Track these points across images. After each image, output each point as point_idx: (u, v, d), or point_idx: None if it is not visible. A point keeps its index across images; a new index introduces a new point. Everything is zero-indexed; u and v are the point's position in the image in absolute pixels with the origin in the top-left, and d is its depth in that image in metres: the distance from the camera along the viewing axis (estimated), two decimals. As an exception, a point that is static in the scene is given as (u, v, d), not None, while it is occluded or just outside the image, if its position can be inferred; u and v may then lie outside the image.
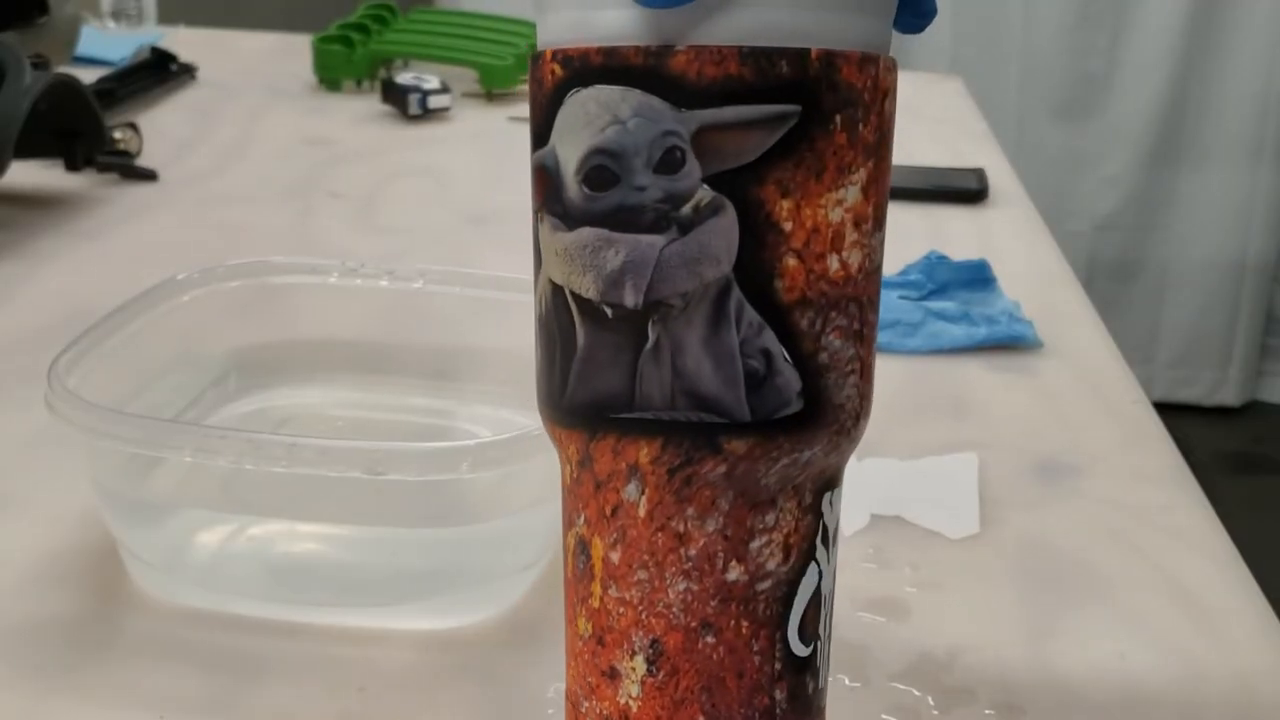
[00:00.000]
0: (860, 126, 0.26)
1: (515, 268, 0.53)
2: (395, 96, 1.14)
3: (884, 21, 0.28)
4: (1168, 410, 0.93)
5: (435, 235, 0.85)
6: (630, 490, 0.28)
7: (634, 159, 0.26)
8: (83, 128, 0.89)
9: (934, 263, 0.73)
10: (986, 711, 0.40)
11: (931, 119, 1.19)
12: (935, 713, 0.40)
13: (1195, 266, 2.52)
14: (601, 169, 0.26)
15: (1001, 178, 1.00)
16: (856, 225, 0.27)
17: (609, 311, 0.27)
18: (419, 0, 1.99)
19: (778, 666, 0.29)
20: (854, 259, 0.27)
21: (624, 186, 0.26)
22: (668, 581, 0.28)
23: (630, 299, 0.26)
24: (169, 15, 1.59)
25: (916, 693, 0.41)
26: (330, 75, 1.24)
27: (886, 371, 0.66)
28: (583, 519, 0.29)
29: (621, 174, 0.26)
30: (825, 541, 0.30)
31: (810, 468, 0.28)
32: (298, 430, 0.52)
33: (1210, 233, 2.50)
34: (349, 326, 0.56)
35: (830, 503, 0.29)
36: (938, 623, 0.45)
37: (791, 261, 0.26)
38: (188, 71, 1.23)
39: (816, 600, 0.30)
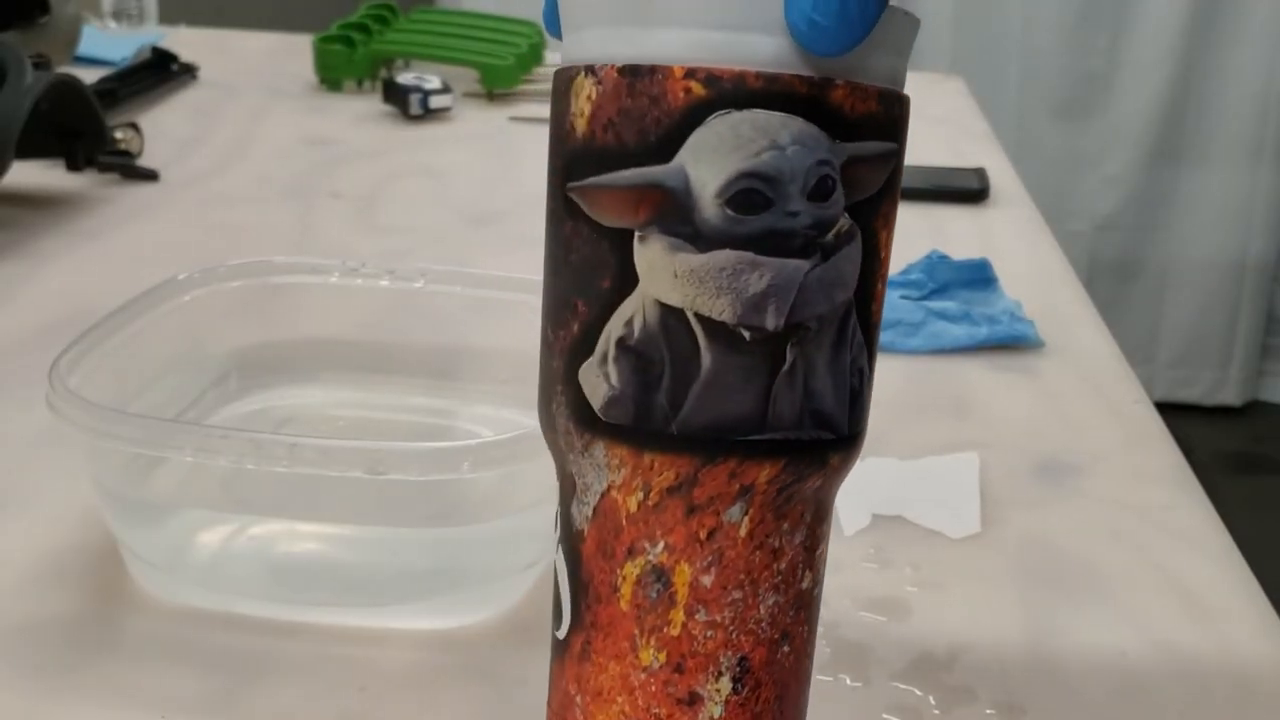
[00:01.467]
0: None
1: (515, 268, 0.53)
2: (396, 96, 1.14)
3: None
4: (1168, 410, 0.92)
5: (435, 235, 0.85)
6: (733, 512, 0.28)
7: (790, 185, 0.26)
8: (84, 128, 0.89)
9: (935, 262, 0.73)
10: (987, 711, 0.40)
11: (932, 119, 1.19)
12: (936, 712, 0.40)
13: (1195, 266, 2.52)
14: (753, 192, 0.26)
15: (1002, 177, 1.00)
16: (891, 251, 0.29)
17: (746, 334, 0.27)
18: (420, 0, 1.99)
19: (811, 663, 0.31)
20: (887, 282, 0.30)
21: (776, 211, 0.26)
22: (760, 598, 0.29)
23: (772, 322, 0.27)
24: (170, 15, 1.59)
25: (918, 692, 0.41)
26: (331, 75, 1.24)
27: (887, 371, 0.66)
28: (660, 546, 0.28)
29: (775, 199, 0.26)
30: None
31: (848, 476, 0.30)
32: (298, 430, 0.52)
33: (1210, 233, 2.50)
34: (349, 326, 0.56)
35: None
36: (939, 622, 0.45)
37: (880, 286, 0.28)
38: (188, 71, 1.24)
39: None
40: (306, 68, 1.26)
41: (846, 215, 0.27)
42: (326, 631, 0.43)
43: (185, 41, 1.35)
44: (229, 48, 1.41)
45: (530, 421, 0.40)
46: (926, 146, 1.07)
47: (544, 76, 1.27)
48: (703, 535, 0.28)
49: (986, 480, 0.55)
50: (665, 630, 0.29)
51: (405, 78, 1.15)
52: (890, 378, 0.65)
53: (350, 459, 0.40)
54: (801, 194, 0.26)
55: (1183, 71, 2.41)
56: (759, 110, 0.26)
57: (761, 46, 0.26)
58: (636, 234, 0.27)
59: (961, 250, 0.76)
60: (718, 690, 0.29)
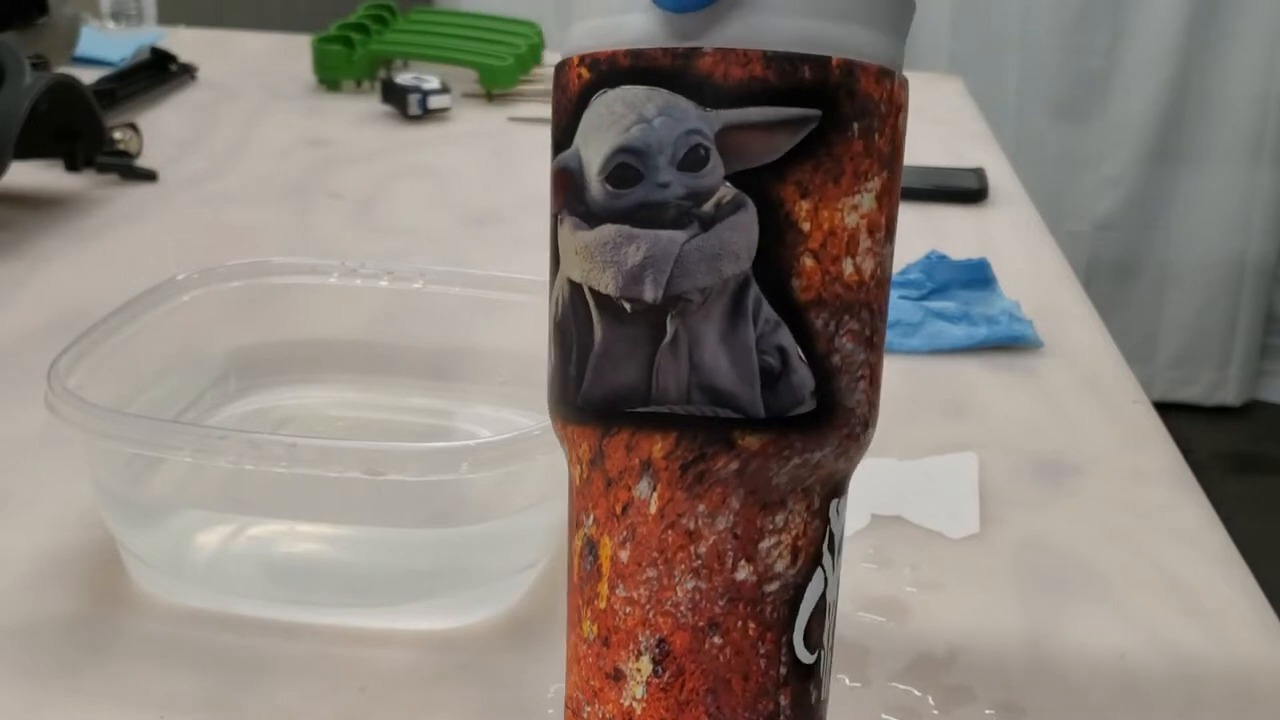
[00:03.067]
0: (876, 136, 0.27)
1: (515, 268, 0.53)
2: (395, 97, 1.14)
3: (900, 41, 0.28)
4: (1168, 410, 0.93)
5: (435, 235, 0.85)
6: (642, 487, 0.28)
7: (658, 156, 0.26)
8: (83, 128, 0.89)
9: (934, 262, 0.73)
10: (986, 711, 0.40)
11: (931, 119, 1.19)
12: (935, 712, 0.40)
13: (1195, 266, 2.52)
14: (625, 166, 0.26)
15: (1001, 177, 1.00)
16: (870, 232, 0.27)
17: (628, 306, 0.27)
18: (419, 0, 1.99)
19: (783, 671, 0.29)
20: (867, 265, 0.27)
21: (647, 183, 0.26)
22: (676, 579, 0.28)
23: (650, 294, 0.27)
24: (169, 15, 1.59)
25: (917, 693, 0.41)
26: (330, 75, 1.24)
27: (887, 371, 0.66)
28: (592, 519, 0.29)
29: (645, 171, 0.26)
30: (832, 549, 0.30)
31: (820, 470, 0.28)
32: (298, 430, 0.52)
33: (1210, 233, 2.50)
34: (349, 326, 0.56)
35: (837, 510, 0.30)
36: (938, 622, 0.45)
37: (809, 261, 0.27)
38: (188, 72, 1.23)
39: (822, 608, 0.30)
40: (305, 68, 1.26)
41: (729, 184, 0.26)
42: (326, 631, 0.43)
43: (184, 42, 1.35)
44: (228, 48, 1.41)
45: (529, 422, 0.41)
46: (925, 146, 1.07)
47: (542, 77, 1.27)
48: (618, 509, 0.28)
49: (985, 480, 0.55)
50: (596, 603, 0.29)
51: (404, 78, 1.15)
52: (889, 378, 0.65)
53: (349, 459, 0.40)
54: (671, 164, 0.26)
55: (1183, 71, 2.41)
56: (628, 86, 0.26)
57: (632, 25, 0.27)
58: (557, 216, 0.28)
59: (960, 250, 0.76)
60: (639, 670, 0.29)
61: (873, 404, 0.29)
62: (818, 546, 0.29)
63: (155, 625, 0.43)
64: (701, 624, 0.28)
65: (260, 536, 0.47)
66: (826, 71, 0.26)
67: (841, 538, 0.30)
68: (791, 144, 0.26)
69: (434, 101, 1.13)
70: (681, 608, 0.28)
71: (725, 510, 0.28)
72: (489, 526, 0.44)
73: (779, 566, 0.28)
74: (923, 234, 0.85)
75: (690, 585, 0.28)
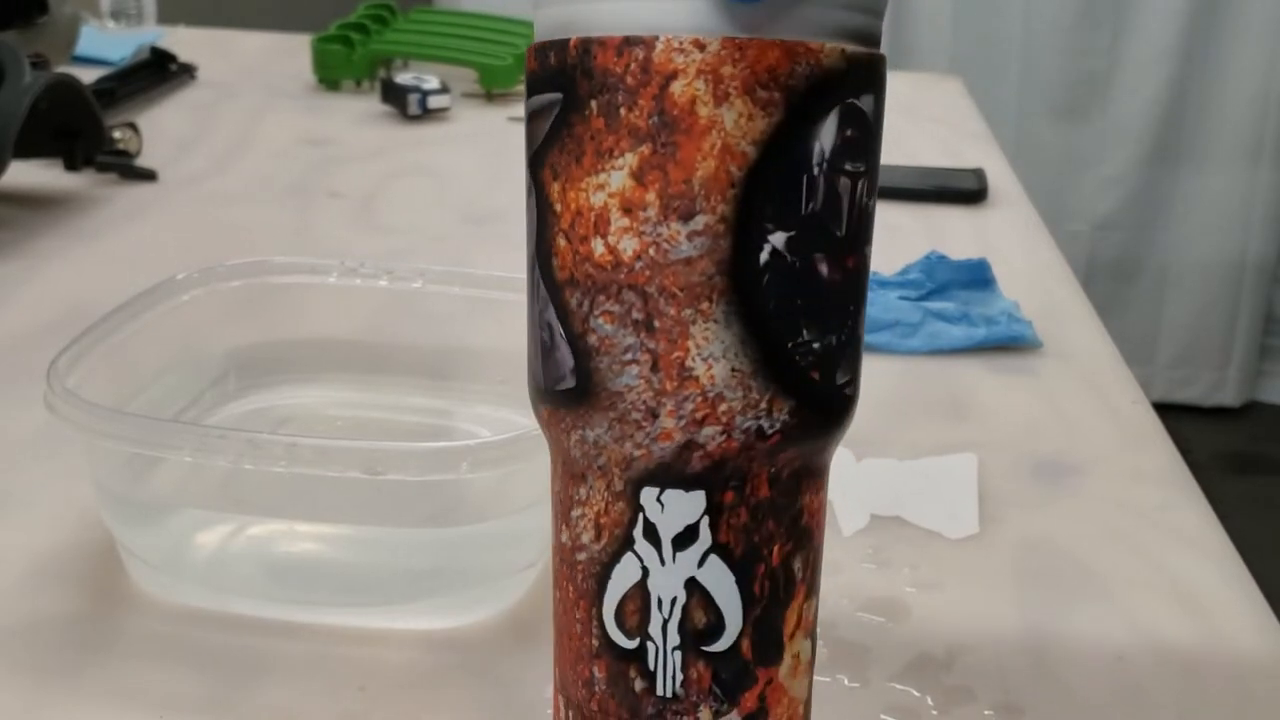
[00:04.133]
0: (623, 111, 0.26)
1: (515, 268, 0.53)
2: (395, 96, 1.14)
3: (673, 2, 0.26)
4: (1167, 410, 0.93)
5: (435, 235, 0.85)
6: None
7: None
8: (82, 127, 0.89)
9: (934, 262, 0.73)
10: (986, 711, 0.40)
11: (931, 119, 1.19)
12: (935, 713, 0.40)
13: (1195, 266, 2.53)
14: None
15: (1001, 178, 1.00)
16: (627, 211, 0.26)
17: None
18: (419, 0, 1.99)
19: (594, 643, 0.29)
20: (628, 245, 0.26)
21: None
22: (547, 527, 0.31)
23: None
24: (169, 15, 1.59)
25: (916, 693, 0.41)
26: (330, 75, 1.24)
27: (886, 371, 0.67)
28: None
29: None
30: (653, 540, 0.28)
31: (606, 451, 0.28)
32: (297, 430, 0.52)
33: (1210, 233, 2.50)
34: (349, 326, 0.56)
35: (660, 501, 0.28)
36: (937, 623, 0.45)
37: (561, 242, 0.27)
38: (187, 71, 1.24)
39: (641, 595, 0.28)
40: (305, 67, 1.26)
41: (527, 172, 0.28)
42: (326, 631, 0.43)
43: (184, 41, 1.35)
44: (228, 47, 1.41)
45: (528, 422, 0.40)
46: (925, 147, 1.07)
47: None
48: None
49: (985, 481, 0.55)
50: None
51: (404, 78, 1.15)
52: (888, 378, 0.65)
53: (348, 459, 0.40)
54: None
55: (1182, 71, 2.41)
56: None
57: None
58: None
59: (960, 251, 0.77)
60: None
61: (664, 393, 0.27)
62: (625, 531, 0.28)
63: (155, 625, 0.43)
64: (553, 573, 0.30)
65: (260, 536, 0.47)
66: (565, 53, 0.26)
67: (694, 536, 0.28)
68: (545, 129, 0.27)
69: (434, 101, 1.13)
70: (550, 553, 0.31)
71: (556, 472, 0.30)
72: (488, 526, 0.44)
73: (584, 538, 0.29)
74: (922, 234, 0.85)
75: (555, 538, 0.30)
